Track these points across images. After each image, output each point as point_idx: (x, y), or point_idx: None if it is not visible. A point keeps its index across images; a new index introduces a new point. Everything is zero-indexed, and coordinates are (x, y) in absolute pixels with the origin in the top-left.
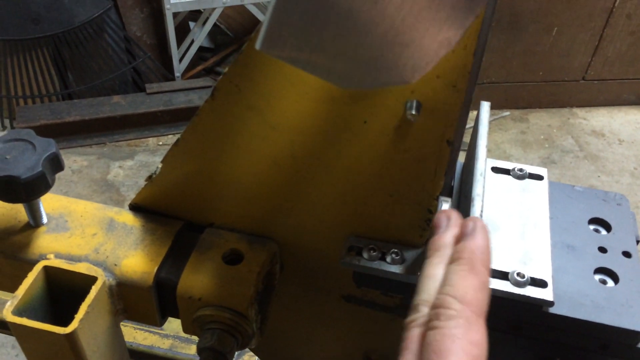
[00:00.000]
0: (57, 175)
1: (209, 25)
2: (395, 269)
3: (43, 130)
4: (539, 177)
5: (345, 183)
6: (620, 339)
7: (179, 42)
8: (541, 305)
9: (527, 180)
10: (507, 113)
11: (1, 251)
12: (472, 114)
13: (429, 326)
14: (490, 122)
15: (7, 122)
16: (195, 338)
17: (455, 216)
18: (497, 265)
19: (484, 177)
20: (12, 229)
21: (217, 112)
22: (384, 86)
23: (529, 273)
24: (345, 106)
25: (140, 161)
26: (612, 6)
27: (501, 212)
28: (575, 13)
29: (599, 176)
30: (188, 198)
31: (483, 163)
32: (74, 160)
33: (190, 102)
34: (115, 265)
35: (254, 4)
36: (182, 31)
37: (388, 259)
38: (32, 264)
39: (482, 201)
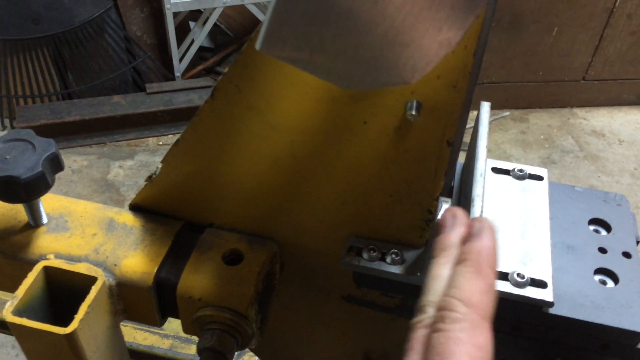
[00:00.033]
0: (57, 175)
1: (209, 25)
2: (395, 269)
3: (43, 130)
4: (539, 178)
5: (345, 183)
6: (620, 340)
7: (179, 42)
8: (541, 305)
9: (527, 180)
10: (507, 113)
11: (1, 251)
12: (472, 114)
13: (433, 328)
14: (490, 122)
15: (7, 121)
16: (195, 338)
17: (461, 215)
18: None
19: (484, 178)
20: (12, 229)
21: (217, 112)
22: (384, 86)
23: (528, 273)
24: (346, 106)
25: (141, 161)
26: (613, 6)
27: (501, 213)
28: (575, 13)
29: (599, 176)
30: (188, 198)
31: (483, 163)
32: (74, 160)
33: (190, 102)
34: (115, 265)
35: (254, 4)
36: (182, 31)
37: (388, 259)
38: (32, 264)
39: (482, 202)
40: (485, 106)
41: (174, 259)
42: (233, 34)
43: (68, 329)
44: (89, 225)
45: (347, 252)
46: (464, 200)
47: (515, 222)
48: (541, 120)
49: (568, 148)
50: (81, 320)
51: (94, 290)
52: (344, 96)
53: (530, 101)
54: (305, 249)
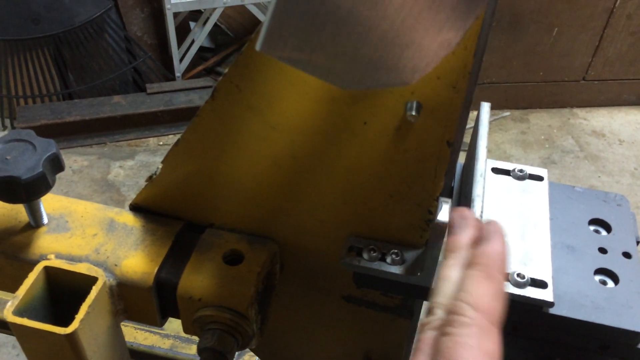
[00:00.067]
0: (58, 175)
1: (209, 25)
2: (395, 269)
3: (43, 130)
4: (539, 178)
5: (346, 183)
6: (620, 340)
7: (180, 42)
8: (541, 306)
9: (527, 181)
10: (507, 113)
11: (2, 251)
12: (473, 115)
13: (442, 331)
14: (490, 123)
15: (7, 122)
16: (195, 338)
17: (471, 216)
18: None
19: (484, 178)
20: (12, 230)
21: (218, 113)
22: (384, 87)
23: (529, 274)
24: (346, 106)
25: (141, 161)
26: (613, 6)
27: (501, 213)
28: (575, 13)
29: (599, 176)
30: (188, 198)
31: (483, 164)
32: (74, 160)
33: (190, 102)
34: (116, 265)
35: (255, 4)
36: (183, 31)
37: (388, 259)
38: (32, 264)
39: (482, 202)
40: (485, 106)
41: (175, 259)
42: (233, 34)
43: (69, 329)
44: (90, 225)
45: (347, 252)
46: (464, 200)
47: (515, 222)
48: (541, 120)
49: (568, 148)
50: (82, 320)
51: (94, 291)
52: (344, 96)
53: (531, 101)
54: (305, 249)
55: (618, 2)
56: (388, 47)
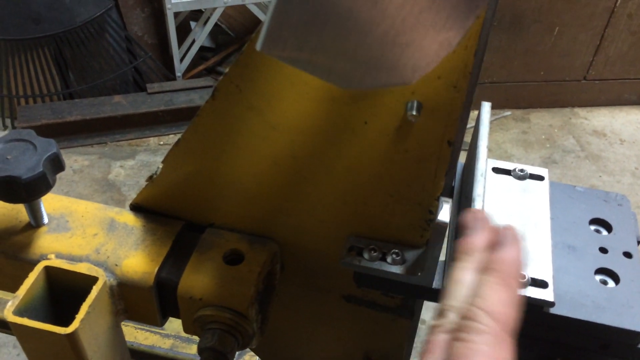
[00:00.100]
0: (58, 175)
1: (210, 25)
2: (396, 269)
3: (44, 130)
4: (540, 178)
5: (346, 183)
6: (621, 339)
7: (180, 42)
8: (542, 305)
9: (527, 180)
10: (508, 113)
11: (2, 251)
12: (473, 114)
13: (455, 336)
14: (491, 122)
15: (8, 121)
16: (196, 338)
17: (486, 219)
18: None
19: (485, 178)
20: (13, 229)
21: (218, 113)
22: (385, 87)
23: (529, 273)
24: (346, 106)
25: (141, 161)
26: (614, 6)
27: (502, 213)
28: (576, 13)
29: (600, 176)
30: (189, 198)
31: (484, 163)
32: (75, 159)
33: (191, 101)
34: (116, 265)
35: (255, 4)
36: (183, 31)
37: (388, 259)
38: (33, 264)
39: (483, 202)
40: (486, 106)
41: (175, 259)
42: (234, 34)
43: (69, 329)
44: (90, 225)
45: (348, 252)
46: (464, 200)
47: (515, 222)
48: (542, 120)
49: (569, 148)
50: (82, 320)
51: (95, 290)
52: (344, 96)
53: (531, 101)
54: (305, 249)
55: (619, 2)
56: (388, 47)
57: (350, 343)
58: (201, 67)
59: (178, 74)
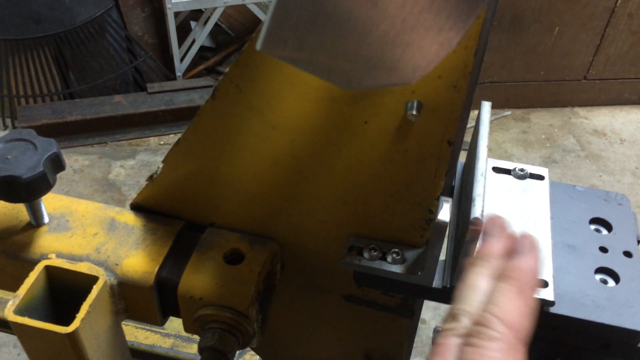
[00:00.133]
0: (59, 175)
1: (210, 25)
2: (396, 268)
3: (44, 130)
4: (540, 177)
5: (346, 183)
6: (621, 339)
7: (180, 42)
8: (542, 305)
9: (528, 180)
10: (508, 112)
11: (3, 251)
12: (474, 114)
13: (467, 341)
14: (491, 122)
15: (8, 121)
16: (196, 337)
17: (504, 226)
18: None
19: (485, 177)
20: (13, 229)
21: (218, 112)
22: (385, 87)
23: None
24: (346, 106)
25: (142, 160)
26: (614, 6)
27: (502, 212)
28: (576, 13)
29: (600, 176)
30: (189, 198)
31: (484, 163)
32: (75, 159)
33: (191, 101)
34: (117, 264)
35: (255, 4)
36: (184, 31)
37: (389, 258)
38: (33, 263)
39: (483, 201)
40: (486, 106)
41: (175, 258)
42: (234, 34)
43: (70, 328)
44: (90, 224)
45: (348, 252)
46: (464, 199)
47: (516, 221)
48: (542, 119)
49: (569, 147)
50: (83, 320)
51: (95, 290)
52: (344, 96)
53: (532, 101)
54: (305, 248)
55: (619, 2)
56: (388, 47)
57: (351, 342)
58: (201, 67)
59: (178, 73)
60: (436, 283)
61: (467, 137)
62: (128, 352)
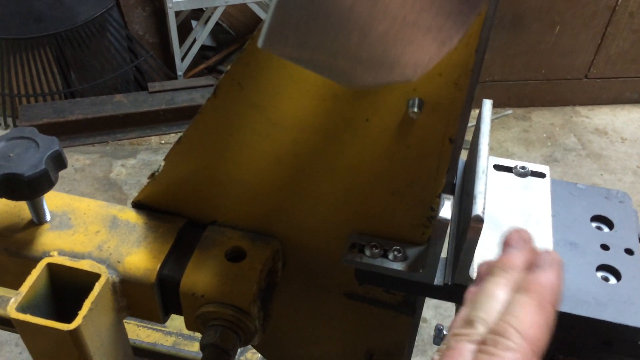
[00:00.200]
0: (60, 174)
1: (211, 24)
2: (398, 266)
3: (46, 129)
4: (542, 175)
5: (347, 181)
6: (623, 336)
7: (181, 41)
8: None
9: (529, 177)
10: (509, 111)
11: (5, 248)
12: (474, 113)
13: (483, 349)
14: (492, 121)
15: (9, 120)
16: (198, 335)
17: (530, 239)
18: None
19: (486, 175)
20: (15, 227)
21: (220, 110)
22: (386, 84)
23: None
24: (348, 104)
25: (143, 160)
26: (615, 4)
27: (503, 210)
28: (578, 11)
29: (601, 174)
30: (190, 196)
31: (485, 161)
32: (76, 158)
33: (192, 100)
34: (119, 262)
35: (256, 3)
36: (184, 30)
37: (390, 256)
38: (35, 261)
39: (485, 199)
40: (487, 104)
41: (177, 256)
42: (235, 33)
43: (72, 325)
44: (92, 222)
45: (350, 249)
46: (466, 197)
47: (517, 219)
48: (544, 118)
49: (570, 146)
50: (85, 317)
51: (97, 287)
52: (346, 94)
53: (533, 99)
54: (307, 246)
55: (620, 0)
56: (390, 45)
57: (352, 340)
58: (202, 66)
59: (179, 72)
60: (437, 280)
61: (468, 136)
62: (130, 349)
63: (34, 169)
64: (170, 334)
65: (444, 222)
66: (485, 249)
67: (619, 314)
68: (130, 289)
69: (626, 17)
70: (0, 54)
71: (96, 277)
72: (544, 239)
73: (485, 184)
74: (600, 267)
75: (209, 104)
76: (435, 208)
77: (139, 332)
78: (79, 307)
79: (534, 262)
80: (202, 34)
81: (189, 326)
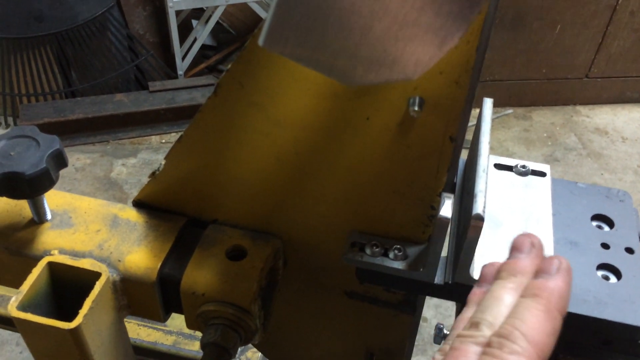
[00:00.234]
0: (61, 173)
1: (211, 23)
2: (398, 265)
3: (46, 129)
4: (542, 174)
5: (348, 179)
6: (623, 335)
7: (182, 40)
8: None
9: (529, 176)
10: (510, 111)
11: (6, 247)
12: (475, 112)
13: (487, 351)
14: (493, 120)
15: (10, 120)
16: (198, 334)
17: (540, 245)
18: (498, 261)
19: (487, 174)
20: (16, 225)
21: (220, 109)
22: (387, 82)
23: None
24: (348, 102)
25: (143, 159)
26: (616, 3)
27: (504, 208)
28: (578, 10)
29: (602, 174)
30: (191, 194)
31: (486, 159)
32: (77, 158)
33: (193, 100)
34: (119, 261)
35: (257, 2)
36: (185, 29)
37: (391, 255)
38: (36, 259)
39: (485, 197)
40: (488, 102)
41: (178, 254)
42: (235, 32)
43: (72, 324)
44: (93, 221)
45: (350, 248)
46: (466, 196)
47: (517, 218)
48: (544, 117)
49: (571, 146)
50: (85, 315)
51: (98, 286)
52: (346, 92)
53: (533, 99)
54: (308, 245)
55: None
56: (391, 42)
57: (352, 339)
58: (203, 66)
59: (180, 72)
60: (438, 279)
61: (469, 135)
62: (131, 348)
63: (35, 168)
64: (170, 333)
65: (445, 220)
66: (486, 248)
67: (619, 312)
68: (130, 287)
69: (627, 16)
70: (1, 53)
71: (97, 275)
72: (544, 238)
73: (486, 183)
74: (601, 266)
75: (210, 103)
76: (436, 207)
77: (139, 331)
78: (80, 306)
79: (542, 268)
80: (202, 33)
81: (189, 325)
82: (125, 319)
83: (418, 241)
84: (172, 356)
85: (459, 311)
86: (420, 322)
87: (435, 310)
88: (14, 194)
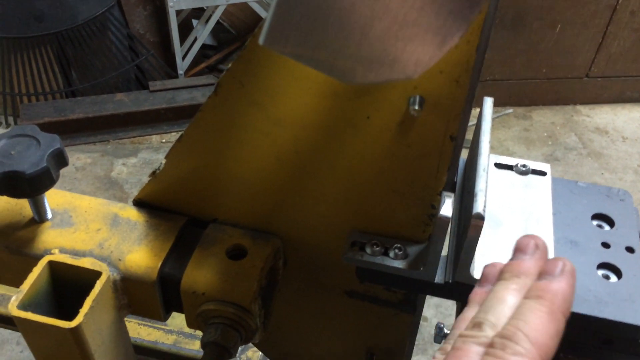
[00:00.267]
0: (61, 173)
1: (212, 23)
2: (398, 264)
3: (47, 128)
4: (542, 173)
5: (348, 178)
6: (624, 334)
7: (182, 40)
8: None
9: (530, 175)
10: (510, 110)
11: (6, 246)
12: (475, 112)
13: (490, 352)
14: (493, 120)
15: (11, 119)
16: (198, 334)
17: (544, 246)
18: (499, 261)
19: (487, 173)
20: (17, 224)
21: (221, 108)
22: (387, 81)
23: None
24: (349, 101)
25: (144, 159)
26: (616, 3)
27: (504, 208)
28: (579, 10)
29: (602, 173)
30: (191, 194)
31: (486, 159)
32: (77, 157)
33: (193, 99)
34: (120, 260)
35: (257, 1)
36: (185, 29)
37: (391, 254)
38: (36, 258)
39: (485, 196)
40: (488, 101)
41: (178, 254)
42: (236, 32)
43: (73, 323)
44: (94, 220)
45: (350, 247)
46: (466, 195)
47: (518, 217)
48: (544, 117)
49: (571, 145)
50: (86, 315)
51: (98, 285)
52: (347, 91)
53: (534, 98)
54: (308, 244)
55: None
56: (391, 42)
57: (353, 338)
58: (203, 65)
59: (180, 71)
60: (438, 278)
61: (469, 135)
62: (131, 347)
63: (35, 167)
64: (171, 332)
65: (445, 220)
66: (486, 247)
67: (620, 312)
68: (131, 286)
69: (627, 16)
70: (1, 52)
71: (97, 275)
72: (544, 237)
73: (486, 182)
74: (601, 265)
75: (210, 102)
76: (436, 206)
77: (139, 330)
78: (80, 305)
79: (546, 270)
80: (203, 33)
81: (190, 324)
82: (125, 318)
83: (418, 240)
84: (173, 355)
85: (459, 310)
86: (421, 321)
87: (436, 310)
88: (14, 193)
